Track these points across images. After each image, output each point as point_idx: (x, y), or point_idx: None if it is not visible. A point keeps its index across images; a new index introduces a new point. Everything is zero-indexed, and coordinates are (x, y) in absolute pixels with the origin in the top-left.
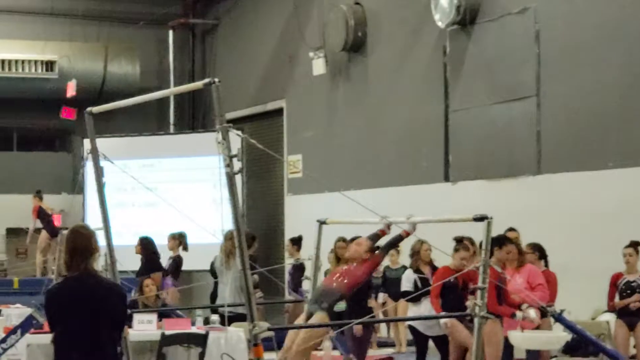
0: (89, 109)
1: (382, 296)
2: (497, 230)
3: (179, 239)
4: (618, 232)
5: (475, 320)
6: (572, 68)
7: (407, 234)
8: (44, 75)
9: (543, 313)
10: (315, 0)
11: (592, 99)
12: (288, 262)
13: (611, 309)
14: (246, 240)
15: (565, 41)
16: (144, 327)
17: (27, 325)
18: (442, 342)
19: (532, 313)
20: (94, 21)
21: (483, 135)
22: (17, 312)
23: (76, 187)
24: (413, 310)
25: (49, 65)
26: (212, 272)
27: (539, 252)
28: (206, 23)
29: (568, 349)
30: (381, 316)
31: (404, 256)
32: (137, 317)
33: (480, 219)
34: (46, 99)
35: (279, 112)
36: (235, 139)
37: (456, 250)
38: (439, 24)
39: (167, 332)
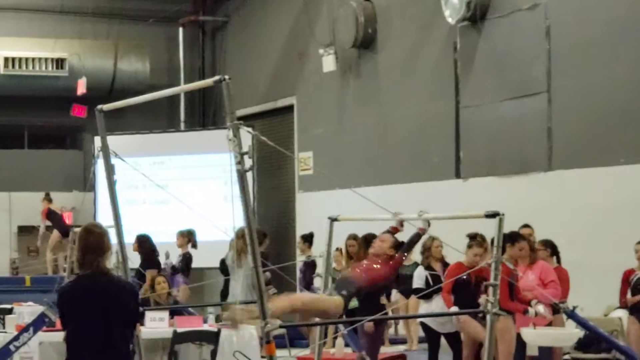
0: (99, 106)
1: (394, 293)
2: (508, 227)
3: (188, 237)
4: (630, 228)
5: (488, 317)
6: (583, 64)
7: (423, 231)
8: (54, 73)
9: (555, 310)
10: None
11: (603, 95)
12: (300, 260)
13: (623, 305)
14: (257, 238)
15: (576, 37)
16: (155, 325)
17: (39, 323)
18: (454, 339)
19: (541, 308)
20: (104, 19)
21: (494, 132)
22: (29, 310)
23: (87, 184)
24: (424, 307)
25: (59, 63)
26: (222, 269)
27: (551, 248)
28: (216, 20)
29: (580, 345)
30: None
31: (415, 253)
32: (149, 315)
33: (491, 215)
34: (57, 97)
35: (289, 109)
36: (246, 136)
37: (469, 246)
38: (449, 20)
39: (179, 330)
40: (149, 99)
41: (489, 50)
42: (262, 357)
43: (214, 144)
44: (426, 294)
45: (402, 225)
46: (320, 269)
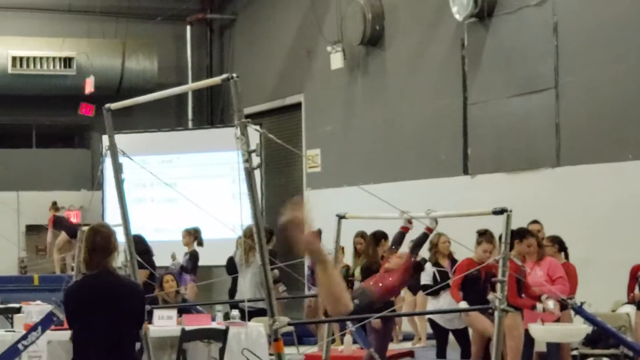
0: (107, 105)
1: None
2: (516, 223)
3: (194, 234)
4: (638, 223)
5: (496, 313)
6: (591, 60)
7: (430, 231)
8: (62, 72)
9: (563, 306)
10: None
11: (611, 91)
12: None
13: (631, 300)
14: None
15: (584, 33)
16: (164, 323)
17: (47, 322)
18: (462, 335)
19: (551, 304)
20: (112, 17)
21: (502, 128)
22: (37, 309)
23: (95, 183)
24: (432, 303)
25: (67, 62)
26: (229, 267)
27: (559, 244)
28: (224, 18)
29: (588, 341)
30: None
31: (422, 249)
32: (157, 313)
33: (499, 212)
34: (64, 96)
35: (297, 106)
36: (254, 134)
37: (479, 242)
38: (457, 16)
39: (187, 328)
40: (156, 98)
41: (496, 46)
42: (270, 354)
43: (222, 142)
44: (434, 291)
45: (410, 222)
46: None
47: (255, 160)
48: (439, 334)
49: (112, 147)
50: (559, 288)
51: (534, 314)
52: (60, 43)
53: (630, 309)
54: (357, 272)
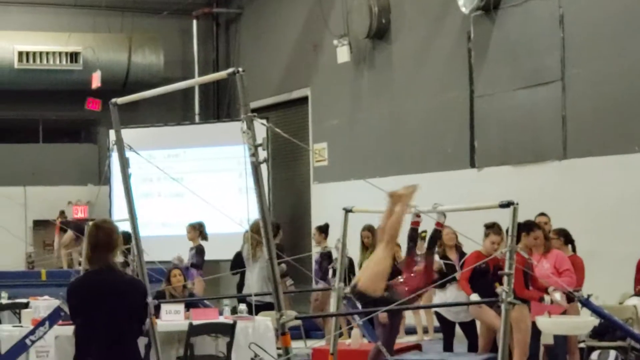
0: (113, 100)
1: None
2: (523, 216)
3: (199, 229)
4: None
5: (503, 306)
6: (597, 52)
7: (441, 225)
8: (68, 66)
9: (570, 298)
10: None
11: (617, 83)
12: (315, 251)
13: (638, 293)
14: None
15: (590, 25)
16: (171, 318)
17: (55, 317)
18: (469, 328)
19: (558, 295)
20: (118, 12)
21: (508, 121)
22: (45, 304)
23: (102, 178)
24: (439, 296)
25: (74, 56)
26: (235, 262)
27: (564, 237)
28: (230, 12)
29: (595, 333)
30: None
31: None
32: (164, 308)
33: (506, 205)
34: (71, 91)
35: (303, 100)
36: (261, 128)
37: (486, 235)
38: (463, 9)
39: (195, 322)
40: (163, 92)
41: (502, 39)
42: (278, 348)
43: (228, 136)
44: (441, 283)
45: (418, 216)
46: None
47: (262, 154)
48: (446, 327)
49: (119, 142)
50: (565, 280)
51: (541, 307)
52: (66, 38)
53: (637, 301)
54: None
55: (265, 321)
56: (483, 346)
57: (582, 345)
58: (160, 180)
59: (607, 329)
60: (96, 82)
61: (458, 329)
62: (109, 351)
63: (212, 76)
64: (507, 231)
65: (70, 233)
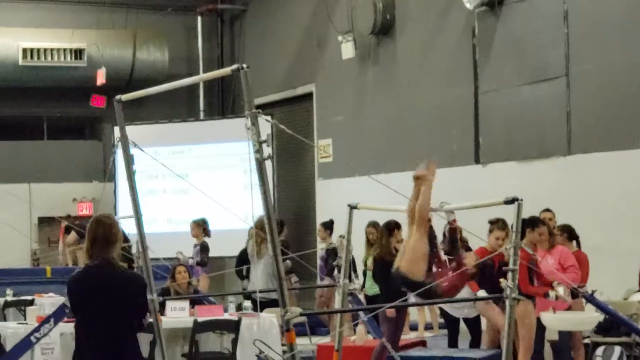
0: (118, 96)
1: None
2: (528, 212)
3: (203, 226)
4: None
5: (507, 302)
6: (601, 47)
7: (454, 224)
8: (72, 63)
9: (575, 294)
10: None
11: (621, 78)
12: (320, 247)
13: None
14: None
15: (594, 21)
16: (176, 315)
17: (60, 314)
18: (473, 324)
19: (562, 290)
20: (122, 8)
21: (513, 117)
22: (50, 301)
23: (107, 175)
24: None
25: (78, 53)
26: (240, 258)
27: (568, 233)
28: (234, 9)
29: (600, 329)
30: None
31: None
32: (169, 305)
33: (510, 201)
34: (76, 87)
35: (308, 96)
36: (265, 124)
37: (491, 231)
38: (467, 5)
39: (200, 319)
40: (168, 89)
41: (507, 35)
42: (283, 345)
43: (233, 133)
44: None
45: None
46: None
47: (266, 150)
48: (451, 323)
49: (123, 139)
50: (570, 276)
51: (546, 303)
52: (70, 34)
53: None
54: (370, 262)
55: (270, 318)
56: (489, 342)
57: (586, 341)
58: (165, 177)
59: (612, 324)
60: (101, 78)
61: (463, 325)
62: (108, 346)
63: (217, 72)
64: (511, 227)
65: (73, 234)
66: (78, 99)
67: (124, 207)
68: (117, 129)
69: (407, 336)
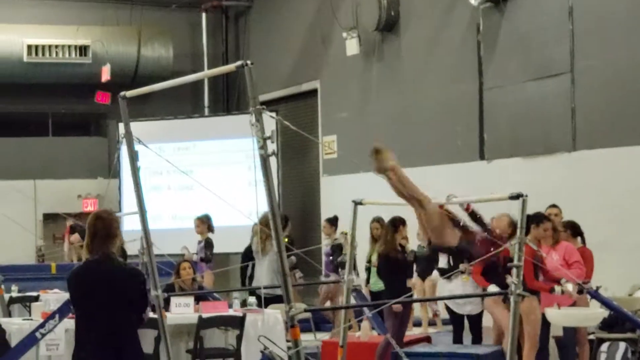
0: (122, 93)
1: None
2: (533, 208)
3: (207, 222)
4: None
5: (511, 298)
6: (606, 44)
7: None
8: (77, 60)
9: (579, 290)
10: None
11: (626, 74)
12: (325, 243)
13: None
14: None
15: (599, 17)
16: (181, 311)
17: (65, 310)
18: (475, 321)
19: (570, 286)
20: (127, 5)
21: (518, 113)
22: (55, 297)
23: (112, 171)
24: (447, 288)
25: (83, 49)
26: (245, 254)
27: (572, 229)
28: (239, 5)
29: (605, 325)
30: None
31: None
32: (174, 301)
33: (515, 197)
34: (80, 84)
35: (313, 93)
36: (270, 120)
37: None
38: (472, 1)
39: (205, 315)
40: (172, 85)
41: (512, 31)
42: (287, 341)
43: (238, 129)
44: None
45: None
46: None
47: (271, 147)
48: (455, 320)
49: (128, 135)
50: (575, 272)
51: (550, 298)
52: (75, 31)
53: None
54: (374, 258)
55: (275, 314)
56: (495, 338)
57: (591, 337)
58: (170, 173)
59: (617, 320)
60: (105, 75)
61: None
62: (108, 341)
63: (221, 69)
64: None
65: (77, 235)
66: (83, 96)
67: (129, 204)
68: (121, 126)
69: (411, 332)
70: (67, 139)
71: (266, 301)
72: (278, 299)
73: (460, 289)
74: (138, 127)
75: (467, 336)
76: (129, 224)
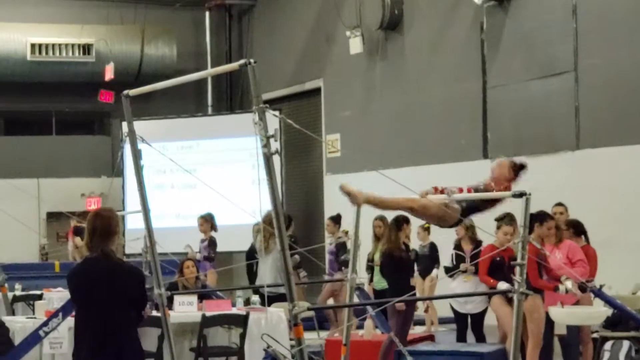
0: (125, 91)
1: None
2: (537, 206)
3: (210, 221)
4: None
5: (515, 296)
6: (610, 42)
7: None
8: (81, 58)
9: (583, 288)
10: None
11: (629, 73)
12: (328, 241)
13: None
14: None
15: (603, 15)
16: (184, 309)
17: (68, 308)
18: (477, 320)
19: (570, 283)
20: (130, 3)
21: (521, 112)
22: (58, 296)
23: (115, 170)
24: (451, 286)
25: (86, 48)
26: (249, 253)
27: (574, 228)
28: (242, 4)
29: (608, 324)
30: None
31: (434, 234)
32: (177, 299)
33: (519, 195)
34: (84, 83)
35: (316, 91)
36: (274, 119)
37: (498, 227)
38: (476, 0)
39: (208, 314)
40: (176, 84)
41: (515, 29)
42: (291, 339)
43: (241, 128)
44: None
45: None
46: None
47: (274, 145)
48: (459, 318)
49: (131, 134)
50: (578, 271)
51: (554, 296)
52: (79, 30)
53: None
54: (377, 257)
55: (278, 312)
56: (502, 338)
57: (595, 335)
58: (173, 172)
59: (620, 319)
60: (109, 74)
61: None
62: (106, 339)
63: (224, 67)
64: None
65: (79, 239)
66: (86, 94)
67: (132, 202)
68: (125, 124)
69: (414, 331)
70: (70, 137)
71: (269, 299)
72: (281, 297)
73: (460, 288)
74: (141, 126)
75: (471, 335)
76: (133, 223)
